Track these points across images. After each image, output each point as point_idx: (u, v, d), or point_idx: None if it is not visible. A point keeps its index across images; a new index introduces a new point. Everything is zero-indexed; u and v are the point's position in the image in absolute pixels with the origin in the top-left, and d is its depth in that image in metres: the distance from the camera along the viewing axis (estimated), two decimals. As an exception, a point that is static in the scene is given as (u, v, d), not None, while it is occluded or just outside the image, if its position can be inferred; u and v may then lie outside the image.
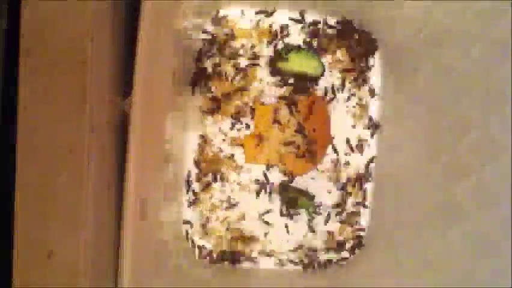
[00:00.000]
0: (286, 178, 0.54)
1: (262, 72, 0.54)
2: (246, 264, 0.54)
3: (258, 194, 0.54)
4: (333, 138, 0.55)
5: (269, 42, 0.54)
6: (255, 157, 0.54)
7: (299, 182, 0.54)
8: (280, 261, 0.54)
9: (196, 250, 0.53)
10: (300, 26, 0.54)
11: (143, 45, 0.34)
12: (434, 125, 0.47)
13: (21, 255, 0.31)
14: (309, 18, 0.54)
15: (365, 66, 0.55)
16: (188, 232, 0.53)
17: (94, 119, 0.33)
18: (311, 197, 0.54)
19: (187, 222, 0.53)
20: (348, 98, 0.55)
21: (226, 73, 0.53)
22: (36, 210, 0.32)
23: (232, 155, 0.54)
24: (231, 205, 0.54)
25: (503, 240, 0.37)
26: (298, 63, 0.54)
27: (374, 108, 0.55)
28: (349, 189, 0.55)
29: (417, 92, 0.50)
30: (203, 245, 0.53)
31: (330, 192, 0.55)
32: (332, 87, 0.55)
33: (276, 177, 0.54)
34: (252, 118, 0.54)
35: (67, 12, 0.32)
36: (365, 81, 0.55)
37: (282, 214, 0.54)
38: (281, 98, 0.54)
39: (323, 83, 0.55)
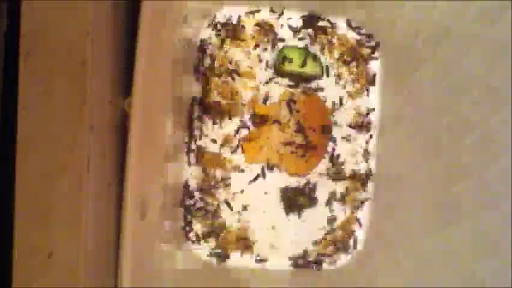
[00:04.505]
0: (285, 178, 0.54)
1: (262, 73, 0.54)
2: (245, 264, 0.54)
3: (257, 194, 0.54)
4: (333, 137, 0.55)
5: (269, 43, 0.54)
6: (254, 157, 0.54)
7: (299, 182, 0.54)
8: (280, 261, 0.54)
9: (197, 250, 0.53)
10: (300, 26, 0.54)
11: (143, 45, 0.34)
12: (434, 125, 0.47)
13: (21, 255, 0.31)
14: (309, 18, 0.55)
15: (365, 66, 0.55)
16: (189, 232, 0.53)
17: (94, 119, 0.33)
18: (311, 197, 0.54)
19: (187, 222, 0.53)
20: (348, 98, 0.55)
21: (225, 73, 0.53)
22: (36, 210, 0.32)
23: (232, 155, 0.54)
24: (231, 205, 0.54)
25: (503, 240, 0.37)
26: (298, 64, 0.54)
27: (374, 108, 0.55)
28: (349, 189, 0.55)
29: (417, 92, 0.50)
30: (203, 245, 0.53)
31: (330, 192, 0.55)
32: (332, 88, 0.55)
33: (276, 177, 0.54)
34: (252, 118, 0.54)
35: (67, 12, 0.32)
36: (364, 80, 0.55)
37: (282, 214, 0.54)
38: (281, 98, 0.54)
39: (322, 83, 0.55)
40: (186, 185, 0.53)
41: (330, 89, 0.55)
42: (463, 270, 0.41)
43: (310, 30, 0.55)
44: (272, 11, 0.54)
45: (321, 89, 0.55)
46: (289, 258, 0.54)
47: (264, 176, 0.54)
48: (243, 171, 0.54)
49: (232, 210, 0.54)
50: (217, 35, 0.54)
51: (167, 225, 0.48)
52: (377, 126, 0.55)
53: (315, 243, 0.54)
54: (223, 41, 0.54)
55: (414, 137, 0.50)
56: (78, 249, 0.32)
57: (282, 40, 0.54)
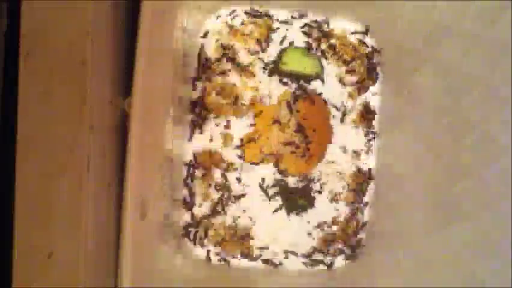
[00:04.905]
0: (285, 178, 0.54)
1: (262, 72, 0.54)
2: (245, 264, 0.54)
3: (258, 194, 0.54)
4: (333, 137, 0.55)
5: (269, 43, 0.54)
6: (254, 157, 0.54)
7: (299, 182, 0.54)
8: (279, 261, 0.54)
9: (196, 250, 0.53)
10: (300, 26, 0.54)
11: (143, 45, 0.34)
12: (434, 125, 0.47)
13: (21, 255, 0.31)
14: (309, 18, 0.55)
15: (365, 66, 0.55)
16: (189, 232, 0.53)
17: (94, 119, 0.33)
18: (311, 197, 0.54)
19: (187, 221, 0.53)
20: (348, 98, 0.55)
21: (226, 73, 0.54)
22: (36, 210, 0.32)
23: (232, 155, 0.54)
24: (231, 205, 0.54)
25: (503, 240, 0.37)
26: (298, 63, 0.54)
27: (374, 109, 0.55)
28: (349, 188, 0.55)
29: (417, 92, 0.50)
30: (203, 245, 0.53)
31: (330, 192, 0.55)
32: (332, 88, 0.55)
33: (275, 177, 0.54)
34: (252, 118, 0.54)
35: (67, 12, 0.32)
36: (365, 81, 0.55)
37: (282, 214, 0.54)
38: (281, 98, 0.54)
39: (322, 83, 0.55)
40: (186, 185, 0.53)
41: (330, 89, 0.55)
42: (463, 270, 0.41)
43: (310, 30, 0.55)
44: (271, 12, 0.54)
45: (321, 89, 0.55)
46: (290, 258, 0.54)
47: (263, 176, 0.54)
48: (242, 171, 0.54)
49: (232, 210, 0.54)
50: (217, 35, 0.54)
51: (167, 225, 0.48)
52: (377, 126, 0.55)
53: (315, 243, 0.54)
54: (222, 41, 0.53)
55: (414, 137, 0.50)
56: (78, 249, 0.32)
57: (282, 40, 0.54)
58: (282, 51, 0.54)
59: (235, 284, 0.52)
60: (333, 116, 0.55)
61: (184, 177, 0.53)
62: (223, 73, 0.53)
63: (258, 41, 0.54)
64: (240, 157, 0.54)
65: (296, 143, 0.54)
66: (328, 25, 0.55)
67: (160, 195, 0.44)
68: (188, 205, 0.53)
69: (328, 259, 0.54)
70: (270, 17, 0.54)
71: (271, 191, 0.54)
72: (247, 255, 0.54)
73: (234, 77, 0.54)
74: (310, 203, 0.54)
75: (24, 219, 0.32)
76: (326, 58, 0.55)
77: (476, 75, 0.41)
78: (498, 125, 0.39)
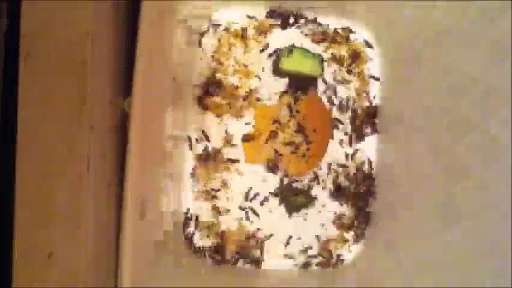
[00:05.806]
0: (285, 178, 0.54)
1: (262, 72, 0.54)
2: (246, 265, 0.54)
3: (258, 194, 0.54)
4: (333, 137, 0.55)
5: (268, 43, 0.54)
6: (254, 157, 0.54)
7: (299, 182, 0.54)
8: (280, 261, 0.54)
9: (196, 250, 0.53)
10: (300, 26, 0.54)
11: (143, 45, 0.34)
12: (434, 125, 0.47)
13: (21, 255, 0.31)
14: (309, 18, 0.55)
15: (364, 66, 0.55)
16: (189, 232, 0.53)
17: (94, 119, 0.33)
18: (311, 197, 0.54)
19: (187, 222, 0.53)
20: (348, 98, 0.55)
21: (226, 72, 0.54)
22: (36, 210, 0.32)
23: (232, 155, 0.54)
24: (231, 205, 0.54)
25: (503, 240, 0.37)
26: (298, 63, 0.54)
27: (374, 108, 0.55)
28: (349, 188, 0.55)
29: (417, 92, 0.50)
30: (203, 245, 0.53)
31: (330, 192, 0.55)
32: (332, 88, 0.55)
33: (275, 177, 0.54)
34: (252, 118, 0.54)
35: (67, 12, 0.32)
36: (364, 81, 0.55)
37: (282, 214, 0.54)
38: (281, 98, 0.54)
39: (322, 83, 0.55)
40: (186, 185, 0.53)
41: (330, 89, 0.55)
42: (463, 270, 0.41)
43: (310, 31, 0.55)
44: (270, 11, 0.54)
45: (321, 89, 0.55)
46: (290, 258, 0.54)
47: (263, 175, 0.54)
48: (243, 171, 0.54)
49: (231, 210, 0.54)
50: (217, 36, 0.54)
51: (166, 226, 0.48)
52: (377, 126, 0.55)
53: (316, 242, 0.54)
54: (222, 41, 0.54)
55: (414, 137, 0.50)
56: (78, 249, 0.32)
57: (282, 40, 0.54)
58: (282, 51, 0.54)
59: (235, 284, 0.52)
60: (333, 116, 0.55)
61: (184, 177, 0.53)
62: (223, 73, 0.53)
63: (258, 41, 0.54)
64: (240, 157, 0.54)
65: (296, 143, 0.54)
66: (328, 25, 0.55)
67: (160, 195, 0.44)
68: (188, 205, 0.53)
69: (328, 259, 0.54)
70: (269, 17, 0.54)
71: (271, 191, 0.54)
72: (246, 254, 0.54)
73: (234, 78, 0.54)
74: (310, 202, 0.54)
75: (24, 219, 0.32)
76: (325, 58, 0.55)
77: (476, 75, 0.41)
78: (498, 125, 0.39)
